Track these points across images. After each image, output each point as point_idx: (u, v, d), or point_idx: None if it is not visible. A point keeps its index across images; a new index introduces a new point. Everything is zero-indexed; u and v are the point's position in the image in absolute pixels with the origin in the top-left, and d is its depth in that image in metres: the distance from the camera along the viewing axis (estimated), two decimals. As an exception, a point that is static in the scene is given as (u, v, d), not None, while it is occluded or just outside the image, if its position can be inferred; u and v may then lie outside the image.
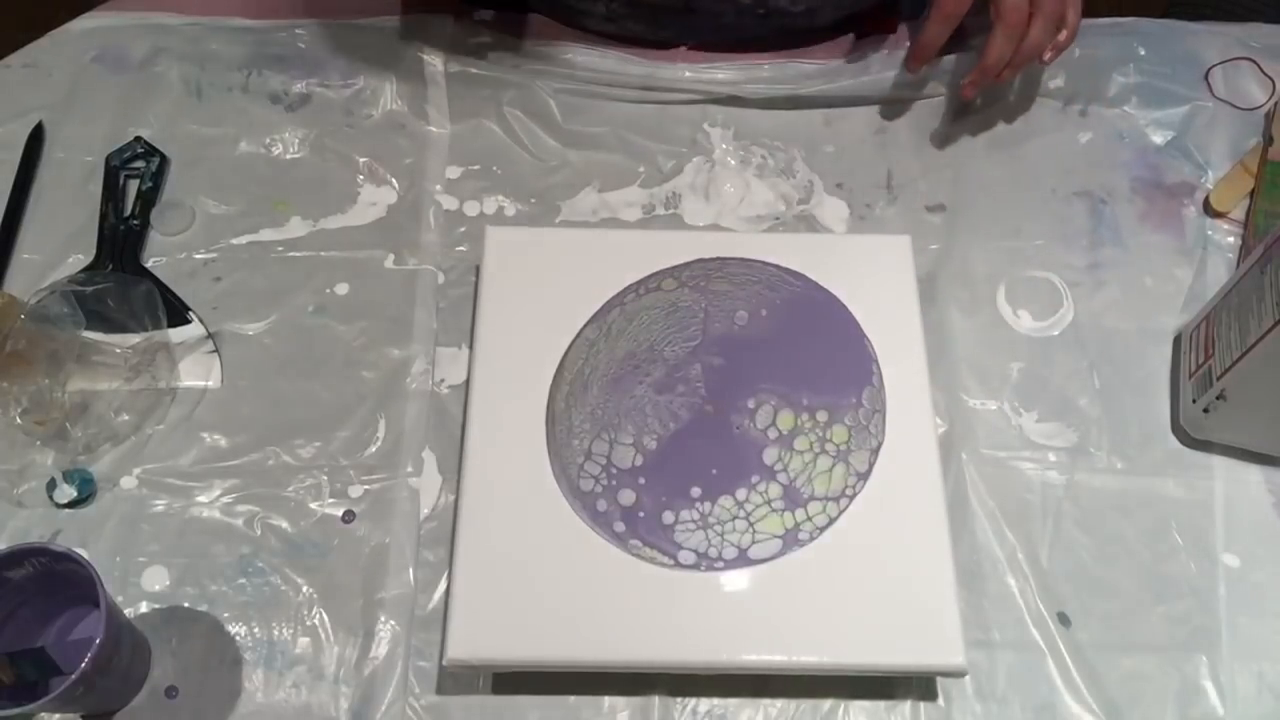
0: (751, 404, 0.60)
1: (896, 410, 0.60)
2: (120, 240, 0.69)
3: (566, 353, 0.62)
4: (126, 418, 0.63)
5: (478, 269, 0.65)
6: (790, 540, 0.56)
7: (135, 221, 0.70)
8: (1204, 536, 0.62)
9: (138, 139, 0.73)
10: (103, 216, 0.70)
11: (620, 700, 0.57)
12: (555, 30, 0.78)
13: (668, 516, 0.57)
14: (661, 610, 0.55)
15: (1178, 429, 0.65)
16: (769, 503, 0.57)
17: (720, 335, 0.62)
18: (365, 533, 0.61)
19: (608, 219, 0.72)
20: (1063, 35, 0.69)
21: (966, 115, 0.77)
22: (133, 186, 0.71)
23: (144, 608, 0.58)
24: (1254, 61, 0.79)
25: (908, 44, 0.77)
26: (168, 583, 0.59)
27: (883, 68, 0.76)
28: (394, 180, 0.72)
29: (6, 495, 0.61)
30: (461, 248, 0.70)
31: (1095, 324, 0.69)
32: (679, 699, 0.57)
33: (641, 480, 0.58)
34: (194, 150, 0.73)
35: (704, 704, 0.57)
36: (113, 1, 0.79)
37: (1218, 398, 0.61)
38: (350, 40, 0.77)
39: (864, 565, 0.56)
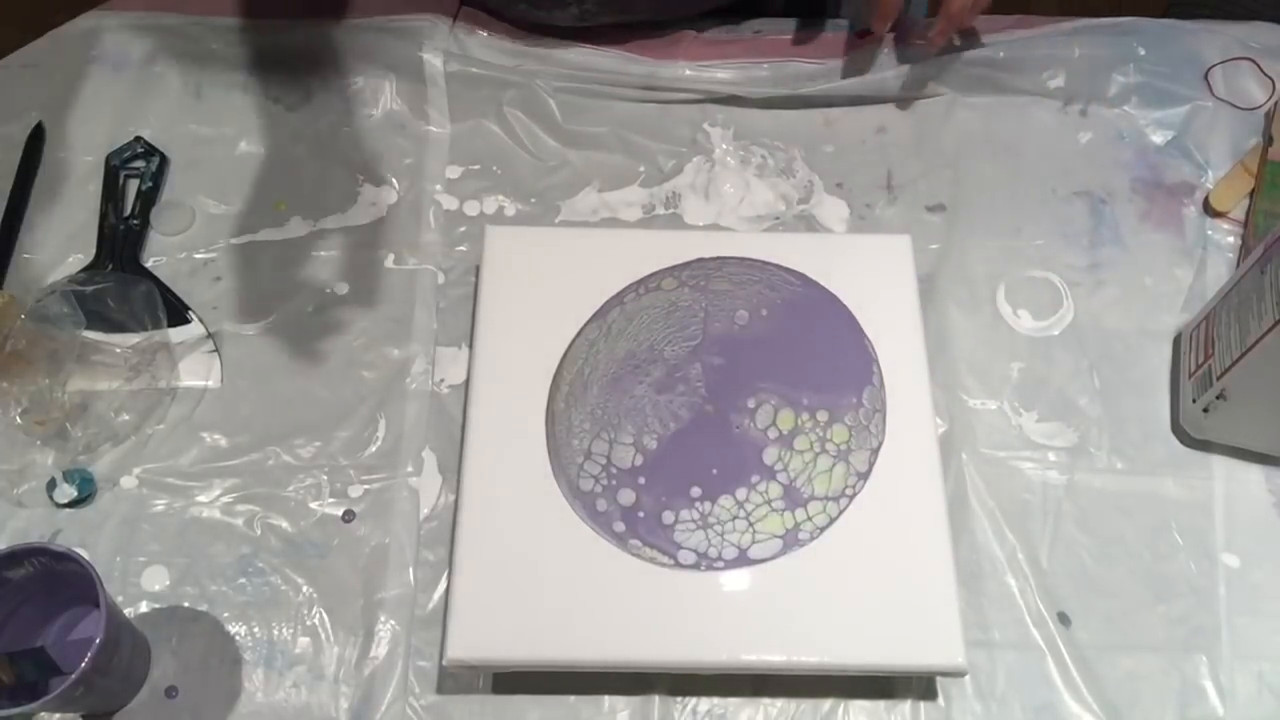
0: (752, 403, 0.60)
1: (896, 410, 0.60)
2: (120, 240, 0.69)
3: (566, 352, 0.62)
4: (126, 418, 0.63)
5: (478, 269, 0.65)
6: (790, 540, 0.56)
7: (135, 221, 0.70)
8: (1204, 536, 0.62)
9: (138, 139, 0.73)
10: (103, 216, 0.70)
11: (620, 700, 0.57)
12: (555, 30, 0.78)
13: (667, 516, 0.57)
14: (661, 610, 0.55)
15: (1178, 429, 0.65)
16: (769, 503, 0.57)
17: (720, 335, 0.62)
18: (365, 533, 0.61)
19: (608, 219, 0.72)
20: None
21: (967, 116, 0.77)
22: (133, 186, 0.71)
23: (144, 608, 0.58)
24: (1254, 61, 0.79)
25: (913, 42, 0.78)
26: (168, 583, 0.59)
27: (883, 68, 0.76)
28: (394, 180, 0.72)
29: (6, 495, 0.61)
30: (461, 248, 0.70)
31: (1095, 324, 0.69)
32: (679, 699, 0.57)
33: (641, 480, 0.58)
34: (194, 150, 0.73)
35: (704, 704, 0.57)
36: (113, 1, 0.79)
37: (1218, 398, 0.61)
38: (350, 40, 0.77)
39: (864, 565, 0.56)
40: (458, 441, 0.62)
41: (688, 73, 0.76)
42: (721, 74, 0.76)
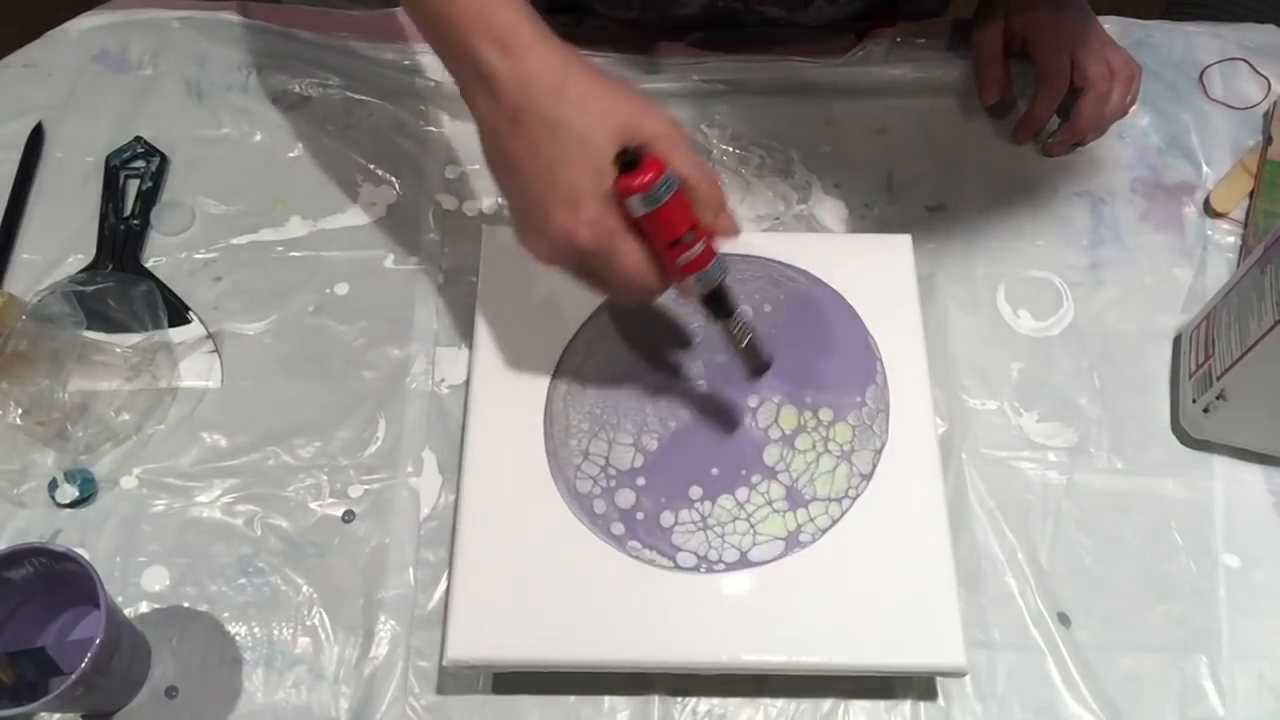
0: (754, 402, 0.60)
1: (897, 410, 0.60)
2: (120, 240, 0.69)
3: (565, 351, 0.62)
4: (127, 418, 0.63)
5: (478, 269, 0.65)
6: (792, 542, 0.56)
7: (135, 221, 0.70)
8: (1204, 536, 0.62)
9: (138, 139, 0.73)
10: (103, 216, 0.70)
11: (620, 700, 0.57)
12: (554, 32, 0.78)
13: (667, 518, 0.57)
14: (661, 611, 0.55)
15: (1178, 429, 0.65)
16: (770, 503, 0.57)
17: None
18: (365, 533, 0.61)
19: (608, 219, 0.72)
20: (1128, 99, 0.74)
21: (967, 116, 0.77)
22: (133, 186, 0.71)
23: (144, 608, 0.58)
24: (1248, 62, 0.79)
25: (910, 37, 0.78)
26: (168, 583, 0.59)
27: (883, 64, 0.77)
28: (394, 180, 0.72)
29: (7, 495, 0.61)
30: (462, 248, 0.70)
31: (1095, 324, 0.69)
32: (679, 699, 0.57)
33: (640, 481, 0.58)
34: (194, 150, 0.73)
35: (704, 704, 0.57)
36: (113, 1, 0.79)
37: (1218, 398, 0.61)
38: (350, 46, 0.77)
39: (864, 565, 0.56)
40: (458, 441, 0.62)
41: (687, 70, 0.76)
42: (721, 71, 0.76)
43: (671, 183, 0.48)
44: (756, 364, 0.56)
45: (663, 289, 0.51)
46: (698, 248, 0.50)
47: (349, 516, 0.61)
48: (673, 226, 0.49)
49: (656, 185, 0.47)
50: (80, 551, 0.51)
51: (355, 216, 0.71)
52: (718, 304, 0.53)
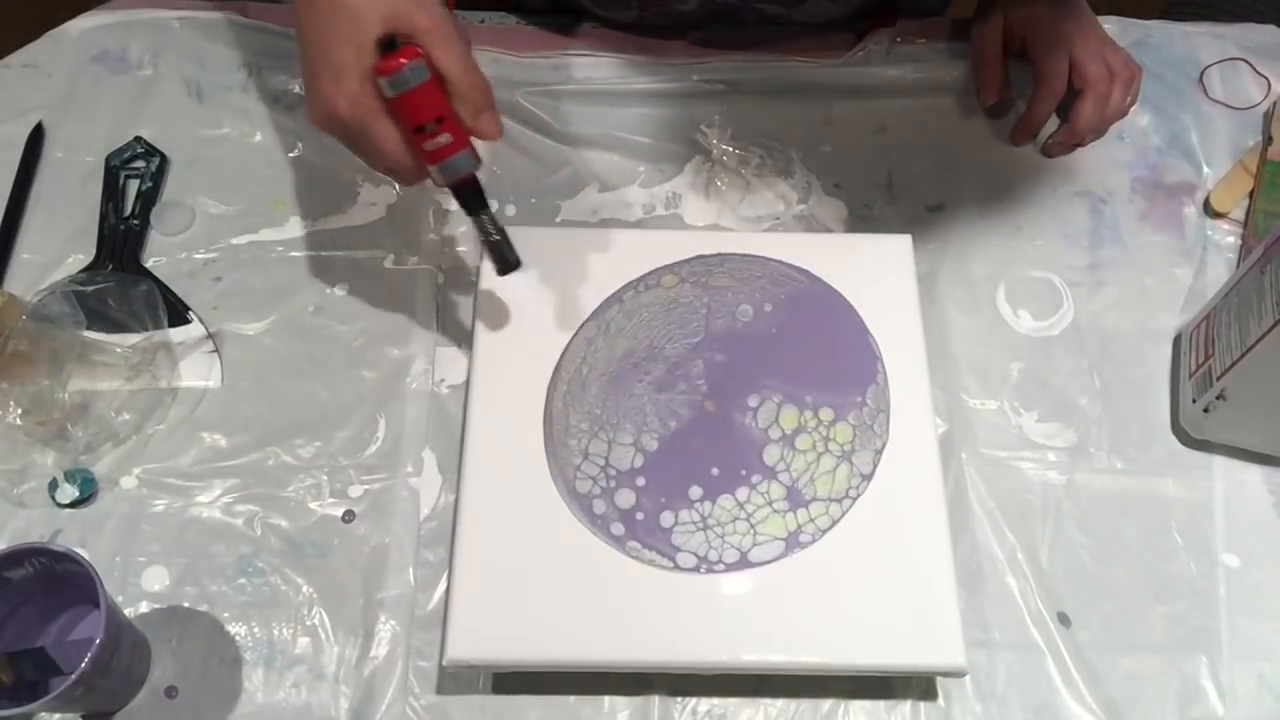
0: (754, 401, 0.60)
1: (897, 410, 0.60)
2: (120, 240, 0.69)
3: (564, 351, 0.62)
4: (127, 418, 0.63)
5: (478, 269, 0.65)
6: (792, 542, 0.56)
7: (135, 221, 0.70)
8: (1204, 536, 0.62)
9: (138, 139, 0.73)
10: (103, 216, 0.70)
11: (620, 700, 0.57)
12: (554, 32, 0.78)
13: (667, 518, 0.57)
14: (661, 611, 0.55)
15: (1178, 429, 0.65)
16: (771, 504, 0.57)
17: (723, 331, 0.62)
18: (365, 533, 0.61)
19: (608, 219, 0.72)
20: (1128, 100, 0.74)
21: (966, 116, 0.77)
22: (133, 186, 0.71)
23: (144, 608, 0.58)
24: (1248, 62, 0.79)
25: (911, 37, 0.78)
26: (168, 583, 0.59)
27: (883, 64, 0.77)
28: (394, 180, 0.72)
29: (7, 495, 0.61)
30: (462, 248, 0.70)
31: (1095, 324, 0.69)
32: (679, 699, 0.57)
33: (640, 481, 0.58)
34: (194, 150, 0.73)
35: (704, 704, 0.57)
36: (113, 1, 0.79)
37: (1218, 398, 0.61)
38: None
39: (864, 565, 0.56)
40: (458, 441, 0.62)
41: (686, 70, 0.76)
42: (721, 70, 0.76)
43: (420, 71, 0.51)
44: (503, 263, 0.58)
45: (418, 173, 0.55)
46: (443, 138, 0.53)
47: (349, 516, 0.61)
48: (417, 113, 0.52)
49: (402, 70, 0.50)
50: (80, 551, 0.51)
51: (355, 216, 0.71)
52: (467, 198, 0.57)
